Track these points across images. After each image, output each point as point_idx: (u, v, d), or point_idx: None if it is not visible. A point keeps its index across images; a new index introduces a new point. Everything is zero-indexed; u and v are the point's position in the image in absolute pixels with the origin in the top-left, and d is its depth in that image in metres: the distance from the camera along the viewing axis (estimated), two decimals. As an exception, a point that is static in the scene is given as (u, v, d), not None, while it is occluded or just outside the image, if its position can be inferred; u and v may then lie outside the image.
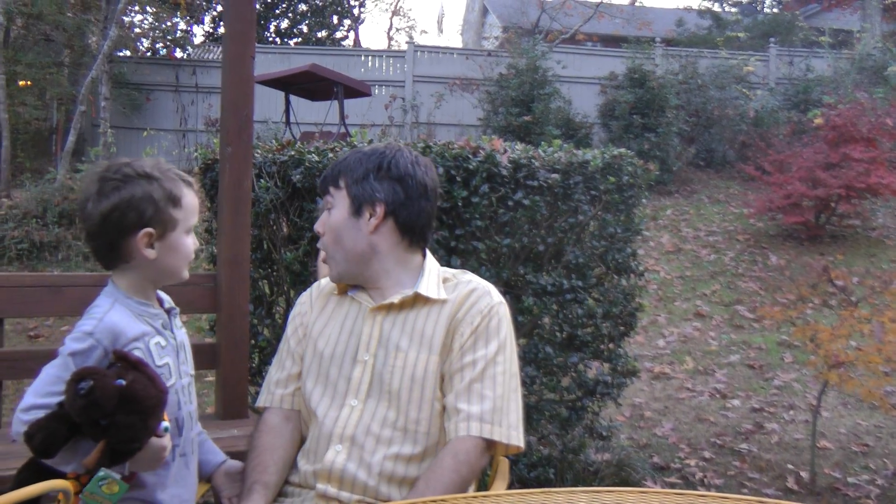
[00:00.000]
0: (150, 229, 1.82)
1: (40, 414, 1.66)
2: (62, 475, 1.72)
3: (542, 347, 3.88)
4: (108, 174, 1.82)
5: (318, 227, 2.13)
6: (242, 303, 3.03)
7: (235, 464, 2.17)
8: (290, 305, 3.61)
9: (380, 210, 2.04)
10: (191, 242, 1.93)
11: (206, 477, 2.14)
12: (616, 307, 4.17)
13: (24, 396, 1.71)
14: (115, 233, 1.80)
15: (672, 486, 4.61)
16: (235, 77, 3.04)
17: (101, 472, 1.66)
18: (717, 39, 15.96)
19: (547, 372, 3.97)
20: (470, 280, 2.11)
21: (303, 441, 2.11)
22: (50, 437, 1.62)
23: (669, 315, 8.35)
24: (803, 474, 4.83)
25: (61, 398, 1.67)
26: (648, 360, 6.98)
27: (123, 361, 1.70)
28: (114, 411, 1.63)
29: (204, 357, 3.14)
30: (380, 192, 2.05)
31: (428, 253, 2.16)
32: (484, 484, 2.57)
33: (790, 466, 4.96)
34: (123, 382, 1.65)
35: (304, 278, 3.45)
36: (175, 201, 1.86)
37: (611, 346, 4.28)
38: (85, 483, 1.69)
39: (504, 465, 2.13)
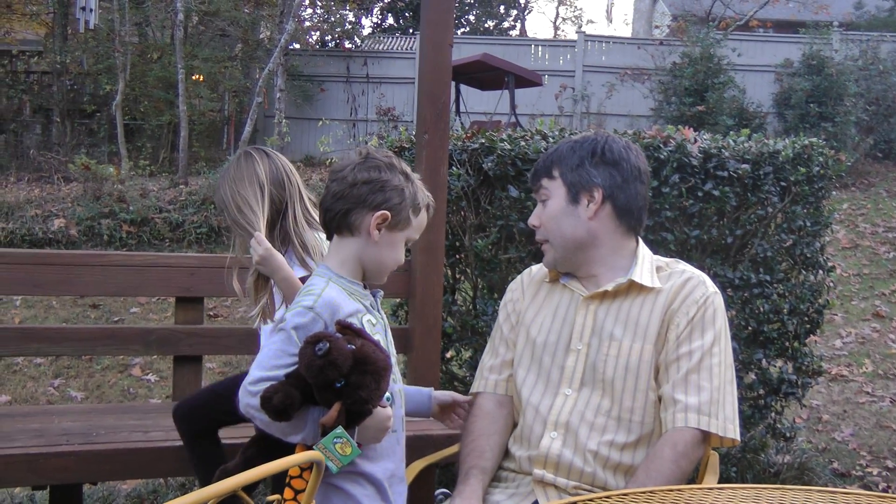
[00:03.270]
0: (387, 213, 1.89)
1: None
2: (286, 451, 1.79)
3: (727, 342, 3.79)
4: (374, 155, 1.93)
5: (533, 220, 2.15)
6: (436, 290, 3.09)
7: (441, 394, 2.28)
8: (476, 293, 3.66)
9: (598, 195, 2.05)
10: (402, 254, 2.00)
11: (426, 414, 2.26)
12: (803, 303, 4.02)
13: (250, 371, 1.80)
14: (356, 201, 1.88)
15: (855, 493, 4.39)
16: (433, 65, 3.08)
17: (338, 430, 1.72)
18: (900, 22, 15.04)
19: (731, 368, 3.87)
20: (684, 269, 2.09)
21: (514, 426, 2.14)
22: (287, 398, 1.70)
23: (846, 314, 7.94)
24: None
25: (287, 370, 1.76)
26: (825, 361, 6.66)
27: (347, 331, 1.77)
28: (349, 372, 1.70)
29: (395, 342, 3.21)
30: (597, 178, 2.05)
31: (640, 240, 2.14)
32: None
33: (983, 483, 4.65)
34: (354, 347, 1.72)
35: (493, 266, 3.49)
36: (416, 209, 1.95)
37: (795, 343, 4.13)
38: None
39: (714, 458, 2.10)
